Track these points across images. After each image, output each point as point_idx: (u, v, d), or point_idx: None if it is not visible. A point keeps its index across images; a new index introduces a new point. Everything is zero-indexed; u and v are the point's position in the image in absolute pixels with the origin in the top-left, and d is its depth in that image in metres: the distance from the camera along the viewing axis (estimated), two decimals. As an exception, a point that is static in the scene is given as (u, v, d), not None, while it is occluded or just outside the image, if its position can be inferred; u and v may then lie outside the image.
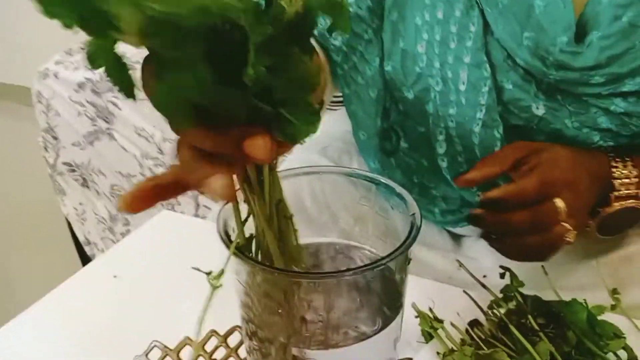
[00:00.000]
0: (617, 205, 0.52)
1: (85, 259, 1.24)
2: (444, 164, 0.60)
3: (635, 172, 0.52)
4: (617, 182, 0.52)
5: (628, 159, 0.53)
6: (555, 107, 0.53)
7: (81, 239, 1.19)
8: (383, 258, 0.30)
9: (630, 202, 0.52)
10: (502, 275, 0.52)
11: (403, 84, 0.58)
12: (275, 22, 0.25)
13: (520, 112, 0.54)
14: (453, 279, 0.62)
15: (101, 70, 0.26)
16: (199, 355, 0.51)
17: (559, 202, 0.48)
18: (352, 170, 0.38)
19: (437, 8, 0.53)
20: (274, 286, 0.32)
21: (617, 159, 0.53)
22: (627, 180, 0.52)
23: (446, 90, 0.55)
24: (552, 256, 0.50)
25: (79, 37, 0.29)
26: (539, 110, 0.53)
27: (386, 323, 0.34)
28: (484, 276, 0.57)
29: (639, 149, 0.54)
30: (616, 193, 0.52)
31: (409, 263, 0.33)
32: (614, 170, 0.52)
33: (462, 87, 0.54)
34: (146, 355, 0.51)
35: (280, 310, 0.33)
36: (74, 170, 1.14)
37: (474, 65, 0.53)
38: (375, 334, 0.34)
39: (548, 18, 0.49)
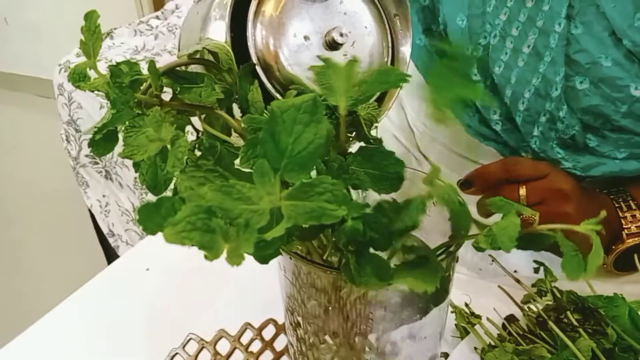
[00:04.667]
0: (630, 242, 0.53)
1: (108, 250, 1.25)
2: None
3: (639, 210, 0.54)
4: (624, 220, 0.54)
5: (629, 198, 0.55)
6: None
7: (105, 230, 1.20)
8: (437, 256, 0.30)
9: None
10: (536, 270, 0.52)
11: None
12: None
13: (613, 91, 0.52)
14: (483, 270, 0.62)
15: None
16: (235, 348, 0.52)
17: (522, 190, 0.51)
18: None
19: None
20: (321, 281, 0.32)
21: (619, 199, 0.55)
22: (634, 218, 0.54)
23: (501, 45, 0.55)
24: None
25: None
26: (638, 91, 0.51)
27: (432, 320, 0.34)
28: (515, 271, 0.57)
29: None
30: (626, 231, 0.53)
31: (457, 261, 0.33)
32: (618, 209, 0.54)
33: (526, 50, 0.54)
34: (183, 347, 0.52)
35: (328, 306, 0.33)
36: (97, 163, 1.15)
37: (544, 32, 0.52)
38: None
39: None
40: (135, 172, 0.28)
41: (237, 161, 0.29)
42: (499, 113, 0.58)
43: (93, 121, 1.14)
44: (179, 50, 0.40)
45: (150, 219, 0.23)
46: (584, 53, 0.51)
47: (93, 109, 1.12)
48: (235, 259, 0.20)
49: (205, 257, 0.21)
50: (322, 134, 0.23)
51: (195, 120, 0.35)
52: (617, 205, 0.54)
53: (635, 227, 0.53)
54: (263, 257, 0.24)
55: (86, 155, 1.16)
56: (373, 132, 0.35)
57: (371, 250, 0.27)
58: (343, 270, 0.27)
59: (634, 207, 0.54)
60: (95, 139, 0.30)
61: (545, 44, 0.53)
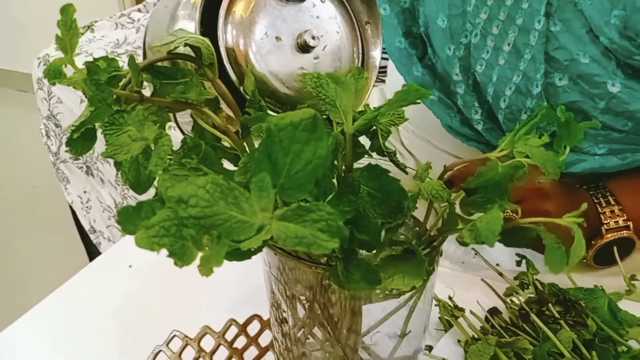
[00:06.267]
0: (609, 237, 0.54)
1: (89, 247, 1.24)
2: (460, 102, 0.60)
3: (618, 206, 0.55)
4: (604, 216, 0.54)
5: (608, 194, 0.55)
6: (634, 87, 0.51)
7: (86, 227, 1.19)
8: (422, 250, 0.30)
9: (623, 233, 0.54)
10: (518, 263, 0.53)
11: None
12: None
13: (591, 87, 0.52)
14: (466, 264, 0.63)
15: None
16: (220, 344, 0.51)
17: None
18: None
19: None
20: (307, 276, 0.32)
21: (598, 195, 0.56)
22: (613, 213, 0.54)
23: (481, 45, 0.54)
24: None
25: (79, 22, 0.30)
26: (614, 88, 0.51)
27: (417, 314, 0.34)
28: (497, 264, 0.57)
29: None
30: (606, 226, 0.54)
31: (441, 254, 0.34)
32: (597, 204, 0.55)
33: (506, 48, 0.54)
34: (167, 344, 0.52)
35: (314, 301, 0.33)
36: (77, 159, 1.14)
37: (524, 29, 0.52)
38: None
39: None
40: (117, 170, 0.28)
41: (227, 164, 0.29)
42: (480, 112, 0.59)
43: (73, 116, 1.12)
44: (144, 43, 0.39)
45: (130, 221, 0.22)
46: (563, 50, 0.52)
47: (73, 103, 1.11)
48: (205, 271, 0.20)
49: (175, 263, 0.21)
50: (321, 154, 0.22)
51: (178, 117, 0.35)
52: (596, 201, 0.55)
53: (614, 222, 0.54)
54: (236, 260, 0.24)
55: (66, 151, 1.14)
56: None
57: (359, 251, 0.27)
58: (331, 275, 0.27)
59: (612, 202, 0.55)
60: (73, 137, 0.29)
61: (525, 42, 0.53)
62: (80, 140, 0.29)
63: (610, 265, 0.58)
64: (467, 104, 0.59)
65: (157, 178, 0.26)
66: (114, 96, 0.27)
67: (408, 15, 0.63)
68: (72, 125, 0.29)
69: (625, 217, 0.54)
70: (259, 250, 0.24)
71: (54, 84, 0.28)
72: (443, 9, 0.57)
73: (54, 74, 0.27)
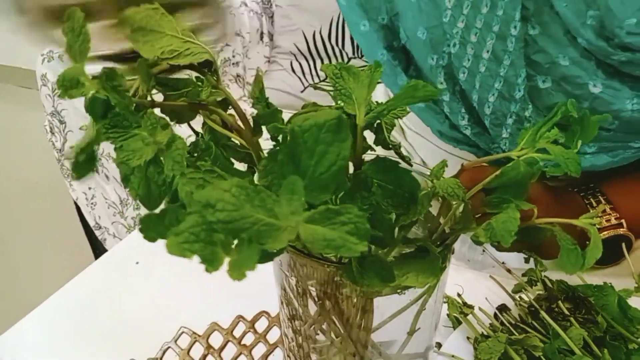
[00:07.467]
0: (604, 234, 0.54)
1: (95, 243, 1.24)
2: (445, 108, 0.60)
3: (610, 205, 0.55)
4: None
5: (599, 194, 0.55)
6: (615, 87, 0.51)
7: (91, 223, 1.19)
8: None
9: (619, 231, 0.54)
10: (526, 260, 0.53)
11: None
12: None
13: (574, 89, 0.52)
14: (472, 261, 0.63)
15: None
16: (228, 341, 0.52)
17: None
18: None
19: None
20: (318, 273, 0.32)
21: (589, 196, 0.56)
22: (604, 212, 0.54)
23: (462, 53, 0.55)
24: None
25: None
26: (596, 88, 0.51)
27: (428, 312, 0.34)
28: (503, 262, 0.57)
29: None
30: (598, 225, 0.53)
31: (453, 252, 0.34)
32: (588, 205, 0.55)
33: (486, 55, 0.54)
34: (175, 341, 0.52)
35: (325, 298, 0.33)
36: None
37: (500, 36, 0.53)
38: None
39: None
40: (125, 187, 0.27)
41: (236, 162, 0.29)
42: (467, 118, 0.59)
43: (78, 112, 1.12)
44: None
45: (153, 229, 0.22)
46: (543, 53, 0.52)
47: (78, 100, 1.10)
48: (237, 275, 0.20)
49: (206, 269, 0.20)
50: (345, 155, 0.22)
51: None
52: (587, 201, 0.55)
53: (606, 220, 0.54)
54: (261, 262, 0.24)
55: (71, 147, 1.14)
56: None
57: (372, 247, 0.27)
58: (344, 272, 0.27)
59: (603, 201, 0.55)
60: (79, 160, 0.28)
61: (503, 48, 0.54)
62: (84, 163, 0.28)
63: (610, 265, 0.58)
64: (454, 110, 0.60)
65: (170, 189, 0.25)
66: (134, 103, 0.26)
67: (387, 31, 0.63)
68: (78, 146, 0.28)
69: (618, 215, 0.54)
70: (280, 251, 0.23)
71: (70, 96, 0.27)
72: (421, 22, 0.58)
73: (69, 84, 0.26)
